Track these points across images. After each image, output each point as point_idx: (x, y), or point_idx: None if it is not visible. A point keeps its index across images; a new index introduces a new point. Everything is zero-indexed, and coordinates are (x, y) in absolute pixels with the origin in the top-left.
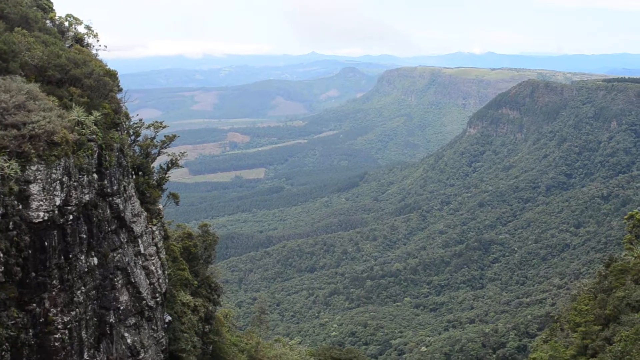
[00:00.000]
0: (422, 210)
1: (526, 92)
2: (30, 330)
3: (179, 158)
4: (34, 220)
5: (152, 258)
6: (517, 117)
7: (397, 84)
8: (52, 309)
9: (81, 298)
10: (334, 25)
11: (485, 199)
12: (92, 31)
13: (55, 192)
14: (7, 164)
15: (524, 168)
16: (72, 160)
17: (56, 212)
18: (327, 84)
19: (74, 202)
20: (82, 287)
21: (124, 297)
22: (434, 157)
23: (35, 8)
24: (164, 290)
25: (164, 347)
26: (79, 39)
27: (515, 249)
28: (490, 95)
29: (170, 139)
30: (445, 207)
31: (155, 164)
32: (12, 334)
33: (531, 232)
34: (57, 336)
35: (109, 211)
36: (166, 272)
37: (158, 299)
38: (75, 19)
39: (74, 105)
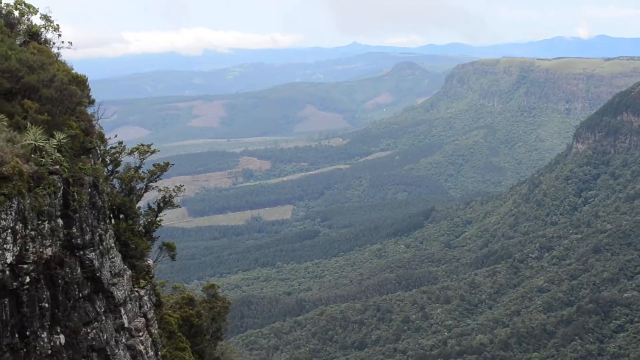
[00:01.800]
0: (514, 260)
1: None
2: None
3: (174, 194)
4: None
5: (140, 334)
6: None
7: (473, 84)
8: None
9: None
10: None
11: (602, 242)
12: (52, 22)
13: (5, 246)
14: None
15: None
16: (28, 201)
17: (7, 272)
18: (375, 86)
19: (32, 258)
20: None
21: None
22: (527, 184)
23: None
24: None
25: None
26: (34, 34)
27: None
28: (605, 96)
29: (161, 169)
30: (545, 254)
31: (141, 204)
32: None
33: None
34: None
35: (79, 270)
36: (159, 352)
37: None
38: (28, 6)
39: (29, 125)
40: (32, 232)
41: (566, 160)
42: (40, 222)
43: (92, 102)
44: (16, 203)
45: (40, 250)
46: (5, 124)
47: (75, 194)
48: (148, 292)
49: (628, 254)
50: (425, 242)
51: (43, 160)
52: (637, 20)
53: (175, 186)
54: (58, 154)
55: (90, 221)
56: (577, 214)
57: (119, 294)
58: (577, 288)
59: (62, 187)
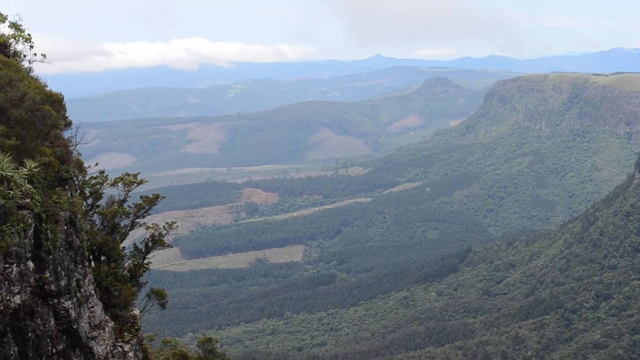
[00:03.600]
0: (565, 310)
1: None
2: None
3: (165, 232)
4: None
5: None
6: None
7: (517, 103)
8: None
9: None
10: (411, 13)
11: None
12: (23, 32)
13: None
14: None
15: None
16: None
17: None
18: (402, 105)
19: None
20: None
21: None
22: (581, 221)
23: None
24: None
25: None
26: (1, 45)
27: None
28: None
29: (150, 202)
30: (602, 304)
31: (126, 243)
32: None
33: None
34: None
35: (53, 321)
36: None
37: None
38: None
39: None
40: None
41: (627, 193)
42: (7, 265)
43: (69, 125)
44: None
45: (7, 298)
46: None
47: (48, 232)
48: (134, 347)
49: None
50: (461, 289)
51: (11, 192)
52: None
53: (167, 223)
54: (29, 185)
55: (66, 264)
56: (639, 256)
57: (100, 349)
58: None
59: (33, 224)
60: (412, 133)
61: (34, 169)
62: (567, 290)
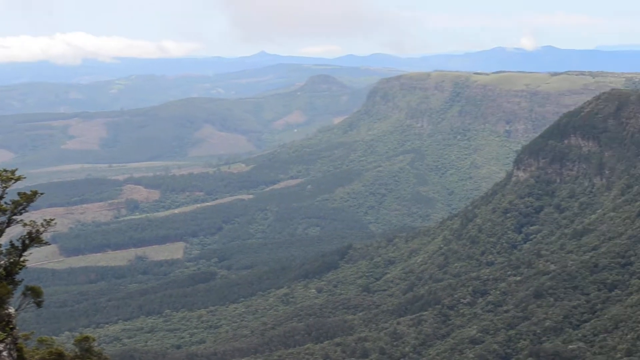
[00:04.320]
0: (443, 306)
1: (609, 109)
2: None
3: (42, 229)
4: None
5: None
6: (594, 150)
7: (399, 101)
8: None
9: None
10: (294, 10)
11: (544, 285)
12: None
13: None
14: None
15: (607, 234)
16: None
17: None
18: (286, 102)
19: None
20: None
21: None
22: (460, 218)
23: None
24: None
25: None
26: None
27: None
28: (550, 117)
29: (27, 199)
30: (479, 299)
31: (3, 240)
32: None
33: (621, 338)
34: None
35: None
36: None
37: None
38: None
39: None
40: None
41: (505, 191)
42: None
43: None
44: None
45: None
46: None
47: None
48: (8, 346)
49: (574, 299)
50: (340, 286)
51: None
52: (588, 29)
53: (45, 220)
54: None
55: None
56: (516, 252)
57: None
58: (516, 339)
59: None
60: (296, 130)
61: None
62: (445, 287)
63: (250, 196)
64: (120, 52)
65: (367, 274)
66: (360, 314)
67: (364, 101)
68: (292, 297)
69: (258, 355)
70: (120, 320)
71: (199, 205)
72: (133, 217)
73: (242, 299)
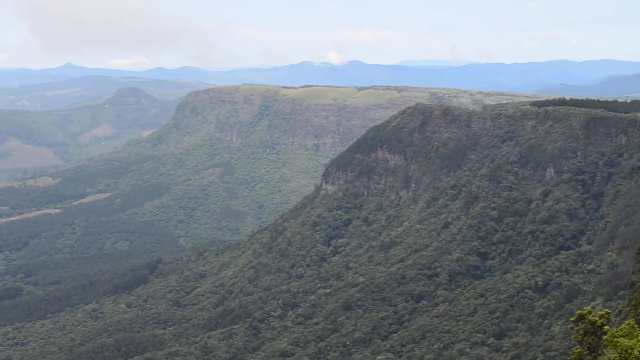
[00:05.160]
0: (253, 320)
1: (414, 124)
2: None
3: None
4: None
5: None
6: (400, 164)
7: (209, 114)
8: None
9: None
10: (103, 23)
11: (353, 297)
12: None
13: None
14: None
15: (413, 246)
16: None
17: None
18: (93, 115)
19: None
20: None
21: None
22: (270, 231)
23: None
24: None
25: None
26: None
27: None
28: (358, 131)
29: None
30: (290, 312)
31: None
32: None
33: (428, 348)
34: None
35: None
36: None
37: None
38: None
39: None
40: None
41: (314, 204)
42: None
43: None
44: None
45: None
46: None
47: None
48: None
49: (382, 311)
50: (150, 300)
51: None
52: (395, 44)
53: None
54: None
55: None
56: (325, 265)
57: None
58: (325, 351)
59: None
60: (104, 143)
61: None
62: (255, 300)
63: (58, 210)
64: None
65: (177, 288)
66: (171, 328)
67: (173, 114)
68: (101, 313)
69: None
70: None
71: (4, 219)
72: None
73: (50, 315)
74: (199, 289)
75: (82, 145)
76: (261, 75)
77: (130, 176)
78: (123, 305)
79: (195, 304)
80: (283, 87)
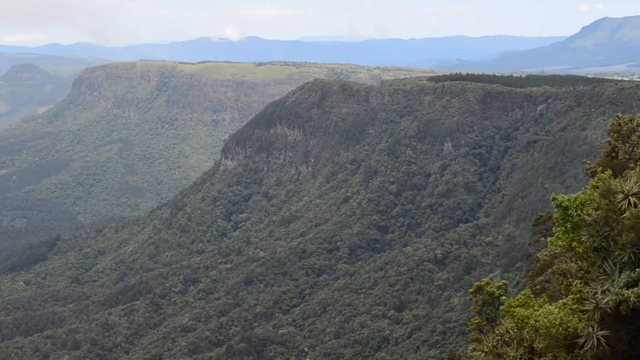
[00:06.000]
0: (154, 296)
1: (312, 99)
2: None
3: None
4: None
5: None
6: (299, 139)
7: (105, 90)
8: None
9: None
10: None
11: (254, 272)
12: None
13: None
14: None
15: (313, 220)
16: None
17: None
18: None
19: None
20: None
21: None
22: (169, 207)
23: None
24: None
25: None
26: None
27: (306, 349)
28: (257, 106)
29: None
30: (191, 288)
31: None
32: None
33: (329, 321)
34: None
35: None
36: None
37: None
38: None
39: None
40: None
41: (214, 179)
42: None
43: None
44: None
45: None
46: None
47: None
48: None
49: (283, 285)
50: (49, 278)
51: None
52: (293, 21)
53: None
54: None
55: None
56: (226, 240)
57: None
58: (227, 325)
59: None
60: None
61: None
62: (156, 276)
63: None
64: None
65: (76, 265)
66: (71, 305)
67: (69, 91)
68: None
69: None
70: None
71: None
72: None
73: None
74: (98, 266)
75: None
76: (159, 51)
77: (26, 153)
78: (21, 283)
79: (95, 281)
80: (181, 63)
